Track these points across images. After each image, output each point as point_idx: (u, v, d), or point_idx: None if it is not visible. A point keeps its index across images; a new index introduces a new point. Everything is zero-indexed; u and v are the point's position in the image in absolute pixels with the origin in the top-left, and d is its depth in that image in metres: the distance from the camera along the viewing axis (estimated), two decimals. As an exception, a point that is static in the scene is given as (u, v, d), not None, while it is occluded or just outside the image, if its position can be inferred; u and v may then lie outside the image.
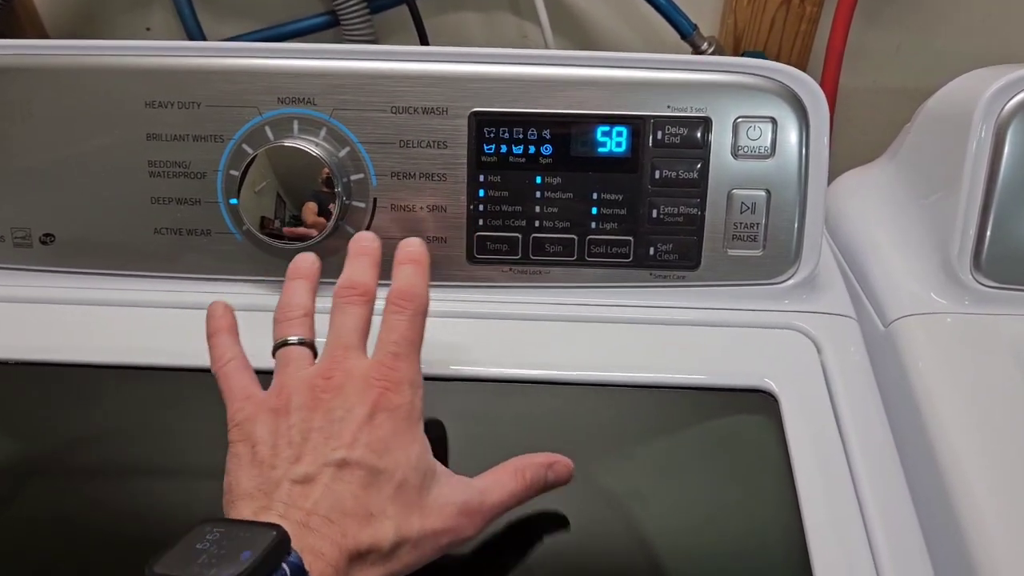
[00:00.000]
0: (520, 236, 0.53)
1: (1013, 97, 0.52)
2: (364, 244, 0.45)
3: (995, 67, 0.57)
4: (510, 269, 0.54)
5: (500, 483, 0.40)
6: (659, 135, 0.51)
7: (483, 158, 0.52)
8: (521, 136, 0.52)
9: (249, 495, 0.36)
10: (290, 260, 0.46)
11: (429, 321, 0.42)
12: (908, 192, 0.60)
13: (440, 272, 0.53)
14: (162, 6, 0.90)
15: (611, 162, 0.52)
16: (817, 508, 0.43)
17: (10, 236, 0.55)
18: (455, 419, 0.48)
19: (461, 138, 0.52)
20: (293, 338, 0.42)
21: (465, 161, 0.52)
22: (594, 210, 0.53)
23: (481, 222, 0.53)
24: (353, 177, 0.52)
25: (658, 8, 0.83)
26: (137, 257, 0.55)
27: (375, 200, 0.53)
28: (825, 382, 0.50)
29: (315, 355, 0.42)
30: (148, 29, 0.92)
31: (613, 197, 0.52)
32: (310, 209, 0.51)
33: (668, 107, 0.51)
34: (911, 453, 0.47)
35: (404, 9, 0.84)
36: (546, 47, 0.86)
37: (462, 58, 0.51)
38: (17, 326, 0.53)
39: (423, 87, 0.51)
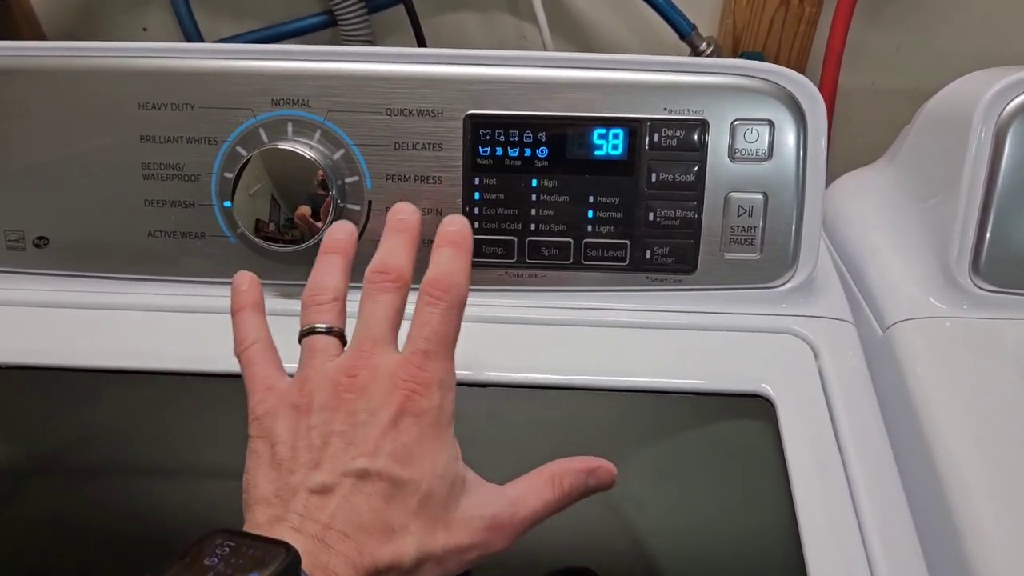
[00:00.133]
0: (516, 239, 0.53)
1: (1013, 100, 0.52)
2: (402, 218, 0.42)
3: (995, 69, 0.57)
4: (505, 272, 0.54)
5: (535, 492, 0.38)
6: (656, 137, 0.51)
7: (478, 161, 0.52)
8: (517, 138, 0.51)
9: (266, 500, 0.35)
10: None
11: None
12: (907, 195, 0.60)
13: (435, 275, 0.53)
14: (159, 6, 0.90)
15: (607, 165, 0.52)
16: (813, 513, 0.43)
17: (3, 239, 0.55)
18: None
19: (456, 140, 0.51)
20: (321, 326, 0.40)
21: (460, 164, 0.52)
22: (590, 213, 0.52)
23: (476, 225, 0.53)
24: (348, 180, 0.52)
25: (657, 8, 0.83)
26: (131, 260, 0.54)
27: (370, 203, 0.52)
28: (822, 387, 0.50)
29: (344, 343, 0.40)
30: (145, 29, 0.92)
31: (609, 200, 0.52)
32: (304, 212, 0.51)
33: (665, 109, 0.51)
34: (908, 459, 0.47)
35: (402, 9, 0.84)
36: (544, 47, 0.86)
37: (457, 60, 0.51)
38: (9, 330, 0.53)
39: (418, 89, 0.51)
